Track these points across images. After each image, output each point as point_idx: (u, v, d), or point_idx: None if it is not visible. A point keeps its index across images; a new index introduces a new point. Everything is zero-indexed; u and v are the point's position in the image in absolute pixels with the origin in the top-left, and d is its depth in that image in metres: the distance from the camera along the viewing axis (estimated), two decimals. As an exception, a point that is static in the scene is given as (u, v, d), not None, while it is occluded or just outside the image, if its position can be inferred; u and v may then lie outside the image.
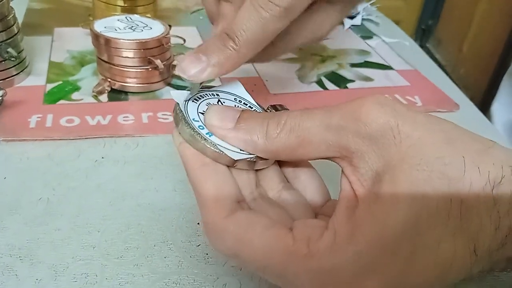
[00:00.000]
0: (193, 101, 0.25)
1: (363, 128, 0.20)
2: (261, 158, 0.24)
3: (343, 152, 0.21)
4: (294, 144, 0.22)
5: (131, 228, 0.31)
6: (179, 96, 0.25)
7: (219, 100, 0.26)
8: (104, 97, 0.46)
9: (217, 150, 0.22)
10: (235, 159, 0.23)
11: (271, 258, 0.20)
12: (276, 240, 0.21)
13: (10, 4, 0.45)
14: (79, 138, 0.39)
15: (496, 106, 0.65)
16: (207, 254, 0.29)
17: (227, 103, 0.26)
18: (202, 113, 0.24)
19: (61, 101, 0.44)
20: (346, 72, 0.55)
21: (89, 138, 0.39)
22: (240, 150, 0.23)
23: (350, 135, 0.20)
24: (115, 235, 0.30)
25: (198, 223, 0.32)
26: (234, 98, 0.27)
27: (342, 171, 0.22)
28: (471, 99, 0.52)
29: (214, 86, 0.27)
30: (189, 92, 0.25)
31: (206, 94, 0.26)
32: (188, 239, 0.30)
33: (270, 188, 0.25)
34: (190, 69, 0.25)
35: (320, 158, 0.22)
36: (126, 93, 0.46)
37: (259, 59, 0.30)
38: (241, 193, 0.23)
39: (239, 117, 0.23)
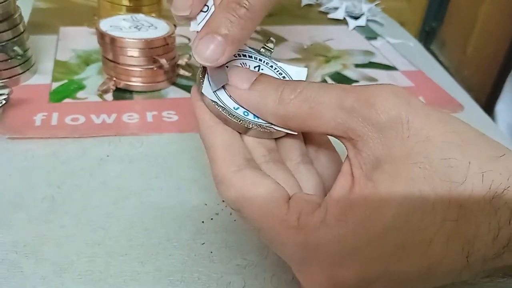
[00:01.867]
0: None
1: (374, 115, 0.20)
2: (274, 129, 0.23)
3: (350, 133, 0.21)
4: (305, 114, 0.22)
5: (135, 226, 0.31)
6: None
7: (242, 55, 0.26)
8: (109, 96, 0.46)
9: (232, 118, 0.23)
10: (248, 127, 0.23)
11: (266, 222, 0.21)
12: (273, 206, 0.21)
13: (16, 3, 0.45)
14: (84, 137, 0.39)
15: (500, 107, 0.65)
16: (211, 252, 0.30)
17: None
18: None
19: (67, 100, 0.44)
20: (350, 73, 0.55)
21: (94, 136, 0.40)
22: (256, 119, 0.23)
23: (360, 119, 0.20)
24: (119, 232, 0.31)
25: (203, 222, 0.32)
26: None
27: (347, 152, 0.22)
28: (475, 100, 0.52)
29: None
30: None
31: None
32: (192, 237, 0.31)
33: (289, 158, 0.25)
34: (209, 55, 0.22)
35: (327, 134, 0.22)
36: (131, 92, 0.47)
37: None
38: (250, 154, 0.23)
39: (255, 79, 0.23)
